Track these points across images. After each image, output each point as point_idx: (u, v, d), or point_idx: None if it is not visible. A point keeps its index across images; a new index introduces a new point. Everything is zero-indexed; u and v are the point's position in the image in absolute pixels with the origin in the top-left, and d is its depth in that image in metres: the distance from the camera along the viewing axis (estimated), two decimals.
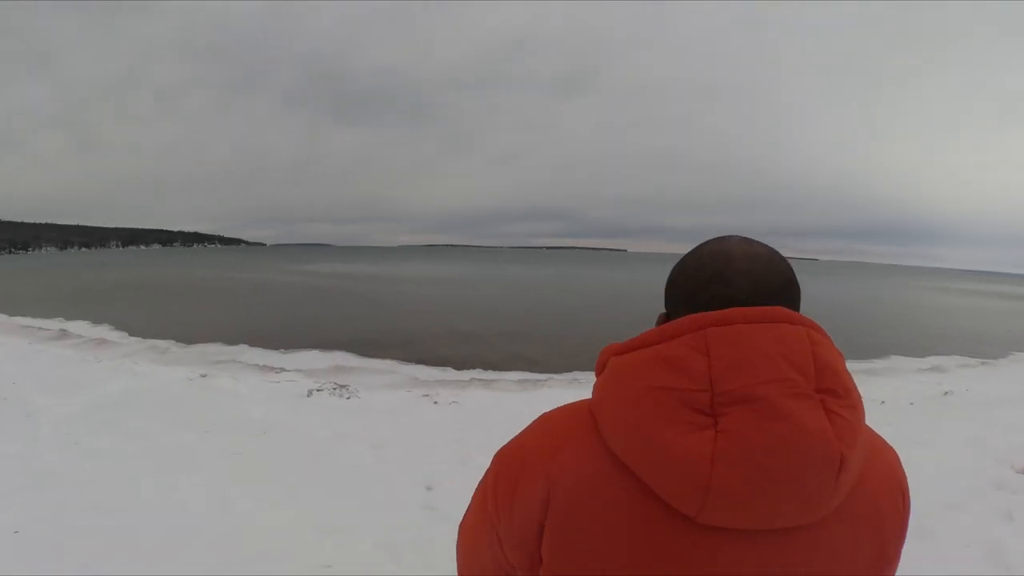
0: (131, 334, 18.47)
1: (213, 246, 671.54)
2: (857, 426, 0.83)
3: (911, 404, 9.99)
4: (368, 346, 17.44)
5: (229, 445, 6.75)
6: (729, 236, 1.00)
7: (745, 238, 0.99)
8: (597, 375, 0.98)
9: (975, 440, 7.17)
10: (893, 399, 10.50)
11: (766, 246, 0.98)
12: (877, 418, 7.42)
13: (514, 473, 0.98)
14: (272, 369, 13.59)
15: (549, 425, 1.01)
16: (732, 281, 0.92)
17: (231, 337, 18.17)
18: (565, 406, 1.04)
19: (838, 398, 0.83)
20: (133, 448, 6.46)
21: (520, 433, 1.05)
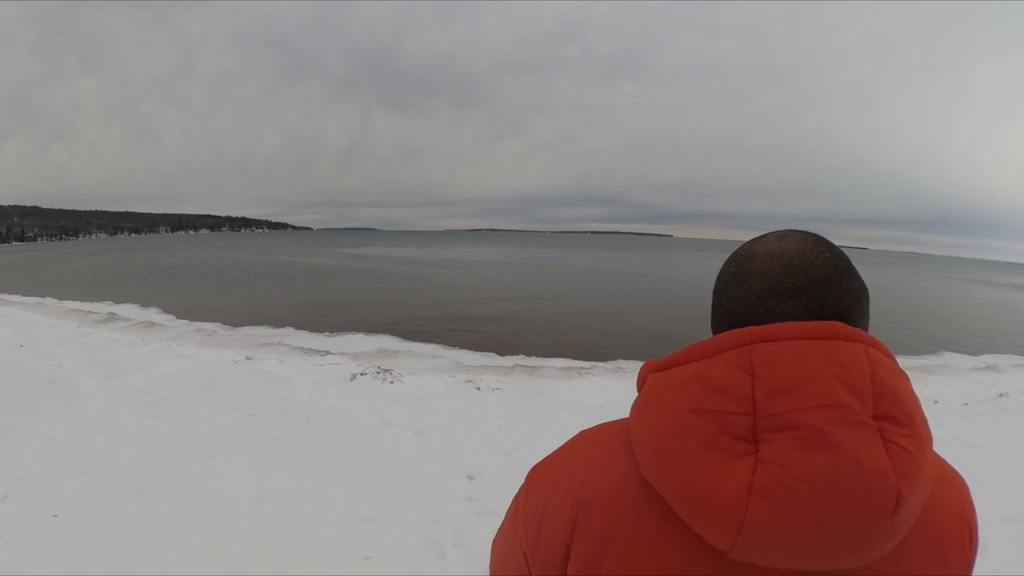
0: (178, 317, 18.85)
1: (260, 230, 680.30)
2: (921, 459, 0.75)
3: (965, 404, 9.73)
4: (412, 330, 17.61)
5: (273, 429, 6.80)
6: (774, 232, 0.94)
7: (783, 233, 0.92)
8: (638, 391, 0.92)
9: None
10: (946, 399, 10.26)
11: (806, 241, 0.89)
12: (930, 419, 7.25)
13: (545, 494, 0.95)
14: (317, 352, 13.75)
15: (585, 445, 0.97)
16: (744, 282, 0.88)
17: (277, 320, 18.50)
18: (604, 425, 0.99)
19: (900, 427, 0.75)
20: (177, 431, 6.54)
21: (556, 450, 1.02)
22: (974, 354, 18.00)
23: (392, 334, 16.89)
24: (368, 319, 19.43)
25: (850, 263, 0.88)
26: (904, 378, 0.80)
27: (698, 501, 0.75)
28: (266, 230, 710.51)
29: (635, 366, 13.36)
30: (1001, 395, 10.68)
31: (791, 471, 0.71)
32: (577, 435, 1.01)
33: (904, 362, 15.33)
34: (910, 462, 0.73)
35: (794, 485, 0.71)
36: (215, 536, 4.30)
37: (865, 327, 0.87)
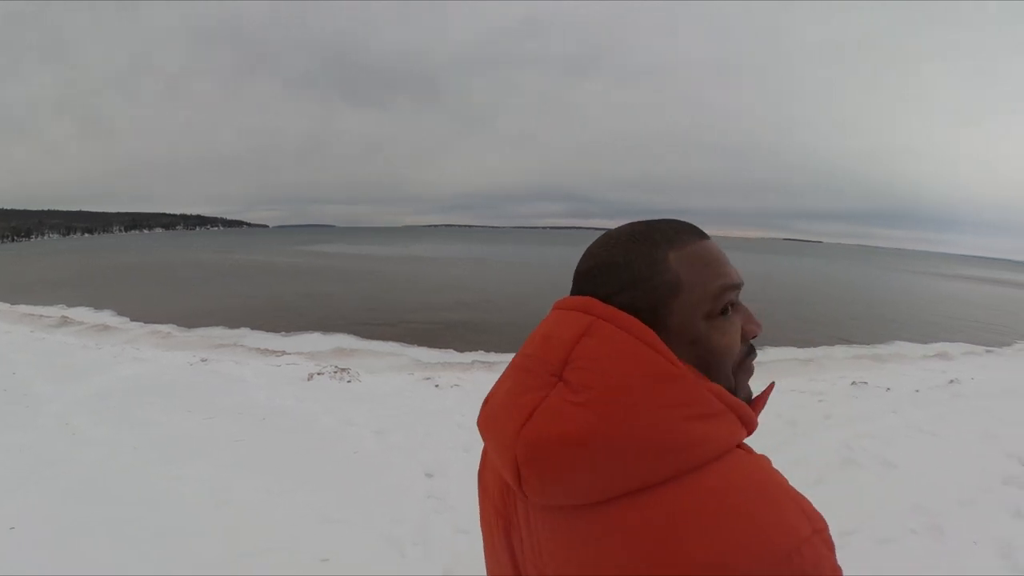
0: (133, 319, 18.54)
1: (215, 228, 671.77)
2: (573, 424, 0.75)
3: (916, 391, 9.93)
4: (370, 328, 17.52)
5: (231, 432, 6.72)
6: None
7: (635, 223, 0.93)
8: None
9: (982, 432, 7.09)
10: (898, 386, 10.45)
11: (624, 228, 0.92)
12: (882, 406, 7.41)
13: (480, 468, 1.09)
14: (274, 352, 13.65)
15: None
16: (588, 251, 0.93)
17: (233, 320, 18.27)
18: None
19: (572, 392, 0.77)
20: (135, 436, 6.42)
21: None
22: (925, 343, 18.42)
23: (350, 333, 16.84)
24: (325, 318, 19.33)
25: (622, 258, 0.87)
26: (621, 354, 0.79)
27: None
28: (221, 228, 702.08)
29: None
30: (951, 381, 10.94)
31: (491, 401, 0.89)
32: None
33: (857, 351, 15.58)
34: (556, 419, 0.76)
35: (487, 401, 0.91)
36: (176, 542, 4.24)
37: (628, 306, 0.85)
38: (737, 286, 0.89)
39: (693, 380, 0.79)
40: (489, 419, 0.87)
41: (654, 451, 0.74)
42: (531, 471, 0.77)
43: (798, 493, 0.77)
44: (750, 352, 0.92)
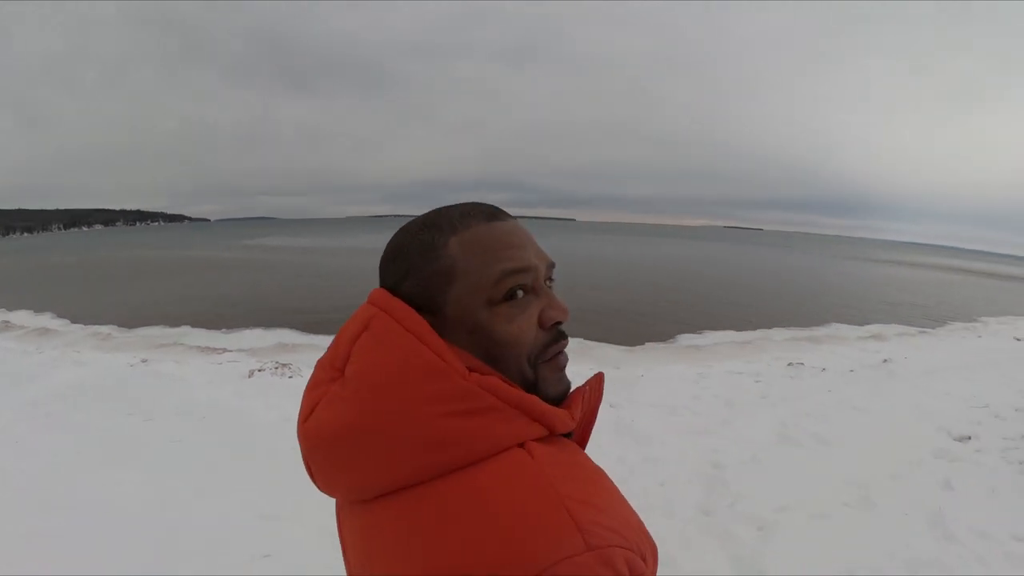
0: (73, 321, 17.97)
1: (156, 224, 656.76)
2: (335, 414, 0.76)
3: (851, 371, 10.19)
4: (312, 322, 17.20)
5: (171, 432, 6.56)
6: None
7: (438, 208, 0.90)
8: None
9: (914, 408, 7.31)
10: (834, 366, 10.72)
11: (424, 215, 0.89)
12: (818, 385, 7.55)
13: None
14: (214, 350, 13.33)
15: None
16: (391, 241, 0.91)
17: (174, 319, 17.79)
18: None
19: (341, 386, 0.78)
20: (76, 442, 6.24)
21: None
22: (861, 325, 18.89)
23: (291, 327, 16.56)
24: (267, 313, 18.97)
25: (405, 247, 0.86)
26: (388, 346, 0.77)
27: None
28: (162, 223, 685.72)
29: None
30: (885, 361, 11.25)
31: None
32: None
33: (794, 333, 15.89)
34: (325, 414, 0.77)
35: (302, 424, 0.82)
36: (119, 547, 4.13)
37: (410, 296, 0.83)
38: (522, 270, 0.82)
39: (459, 374, 0.74)
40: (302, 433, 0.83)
41: (413, 446, 0.71)
42: (312, 463, 0.80)
43: (586, 505, 0.69)
44: (555, 340, 0.85)
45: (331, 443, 0.75)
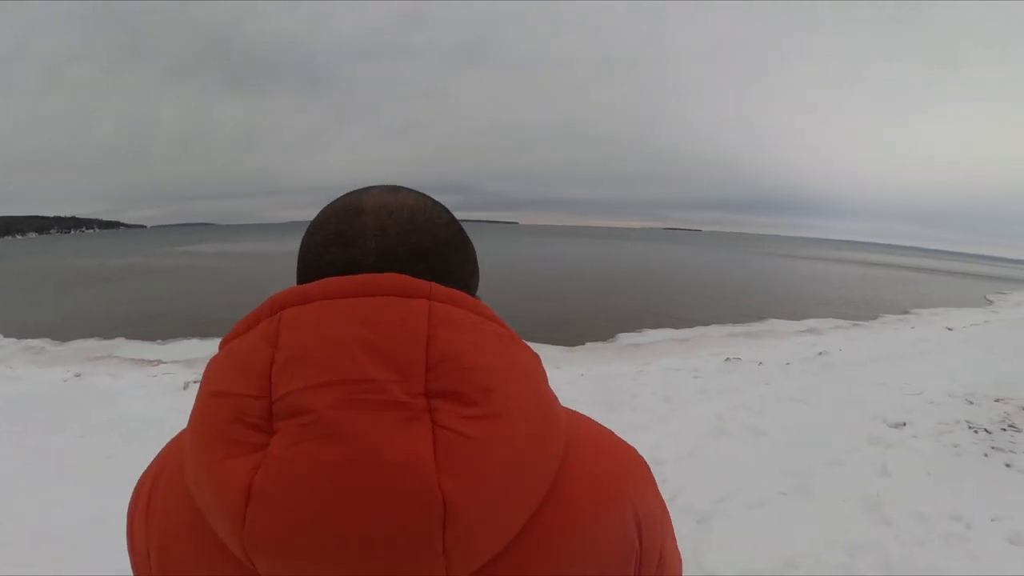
0: (6, 335, 17.34)
1: (91, 231, 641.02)
2: (494, 447, 0.56)
3: (787, 364, 10.32)
4: None
5: (105, 449, 6.35)
6: (374, 186, 0.75)
7: (394, 187, 0.75)
8: None
9: (849, 398, 7.37)
10: (770, 360, 10.88)
11: (424, 198, 0.74)
12: (755, 379, 7.56)
13: (129, 514, 0.81)
14: (149, 362, 13.05)
15: (166, 448, 0.82)
16: (355, 241, 0.68)
17: (108, 330, 17.30)
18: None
19: (465, 406, 0.56)
20: (9, 462, 6.02)
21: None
22: (797, 319, 19.26)
23: None
24: (203, 322, 18.56)
25: (466, 238, 0.77)
26: (502, 343, 0.63)
27: (212, 505, 0.58)
28: (97, 230, 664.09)
29: None
30: (821, 353, 11.45)
31: (291, 470, 0.54)
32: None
33: (732, 329, 16.09)
34: (470, 451, 0.55)
35: (291, 486, 0.53)
36: (54, 567, 4.01)
37: (464, 285, 0.73)
38: None
39: None
40: (332, 488, 0.55)
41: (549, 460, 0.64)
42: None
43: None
44: None
45: (422, 509, 0.53)
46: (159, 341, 15.95)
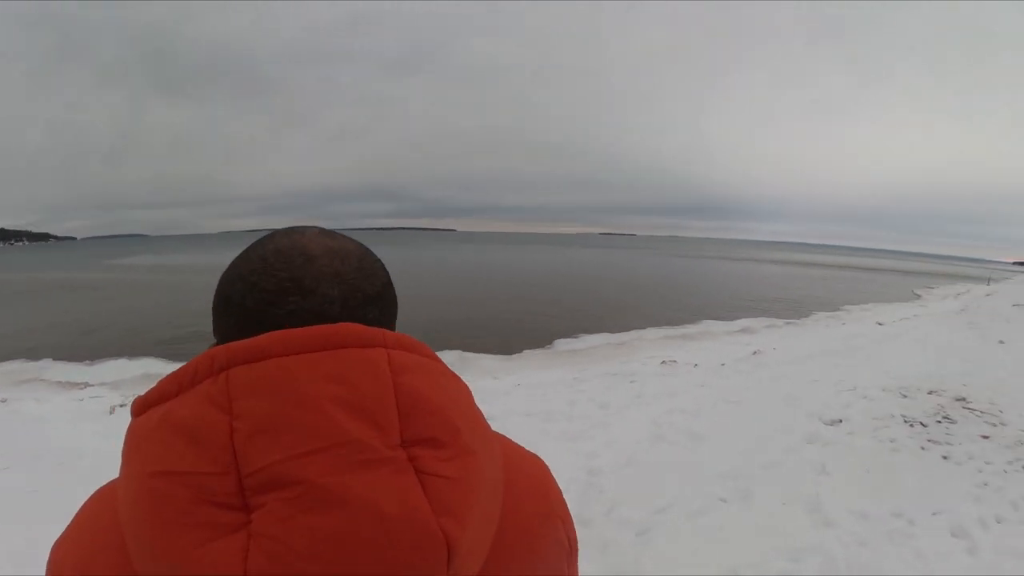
0: None
1: (20, 243, 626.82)
2: (473, 482, 0.59)
3: (722, 365, 10.45)
4: (178, 349, 16.46)
5: (27, 481, 6.02)
6: (302, 227, 0.73)
7: (325, 229, 0.74)
8: None
9: (784, 396, 7.39)
10: (705, 362, 11.04)
11: (357, 242, 0.75)
12: (691, 381, 7.49)
13: None
14: (76, 385, 12.69)
15: (92, 516, 0.71)
16: (316, 288, 0.65)
17: (34, 351, 16.69)
18: (104, 489, 0.74)
19: (439, 448, 0.58)
20: None
21: (73, 518, 0.75)
22: (731, 320, 19.64)
23: (158, 356, 15.77)
24: (132, 340, 18.17)
25: (387, 280, 0.75)
26: (445, 379, 0.65)
27: None
28: (26, 243, 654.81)
29: None
30: (755, 353, 11.65)
31: (290, 545, 0.51)
32: (92, 495, 0.75)
33: (668, 332, 16.21)
34: (456, 492, 0.57)
35: (296, 562, 0.51)
36: None
37: (392, 325, 0.73)
38: None
39: None
40: (339, 555, 0.52)
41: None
42: None
43: None
44: None
45: (430, 554, 0.54)
46: (87, 362, 15.45)
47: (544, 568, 0.72)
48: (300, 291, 0.64)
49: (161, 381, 0.60)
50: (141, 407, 0.61)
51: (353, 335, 0.60)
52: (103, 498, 0.71)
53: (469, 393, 0.68)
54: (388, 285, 0.73)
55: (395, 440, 0.56)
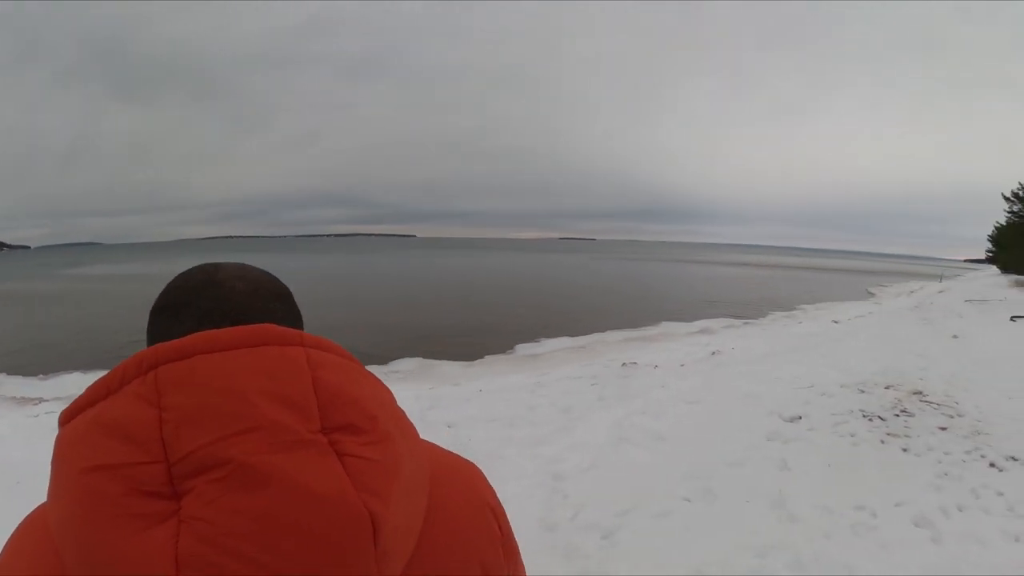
0: None
1: None
2: (392, 464, 0.62)
3: (682, 366, 10.51)
4: None
5: None
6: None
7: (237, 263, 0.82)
8: None
9: (744, 395, 7.44)
10: (665, 363, 11.08)
11: (247, 269, 0.81)
12: (651, 382, 7.47)
13: None
14: (31, 400, 12.27)
15: (26, 535, 0.71)
16: (226, 282, 0.75)
17: None
18: (32, 514, 0.74)
19: (359, 434, 0.61)
20: None
21: (7, 542, 0.73)
22: (690, 321, 19.73)
23: (112, 368, 15.25)
24: (87, 354, 17.66)
25: (284, 288, 0.82)
26: (362, 377, 0.68)
27: None
28: None
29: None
30: (714, 353, 11.73)
31: (219, 525, 0.53)
32: (28, 515, 0.75)
33: (628, 334, 16.23)
34: (377, 472, 0.60)
35: (230, 542, 0.52)
36: None
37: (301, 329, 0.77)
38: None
39: None
40: (269, 532, 0.54)
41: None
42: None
43: None
44: None
45: (356, 530, 0.56)
46: (40, 376, 14.96)
47: (478, 558, 0.74)
48: (213, 284, 0.73)
49: (89, 387, 0.61)
50: (69, 415, 0.62)
51: (273, 334, 0.64)
52: (33, 521, 0.72)
53: (389, 392, 0.71)
54: (291, 294, 0.81)
55: (316, 427, 0.58)
